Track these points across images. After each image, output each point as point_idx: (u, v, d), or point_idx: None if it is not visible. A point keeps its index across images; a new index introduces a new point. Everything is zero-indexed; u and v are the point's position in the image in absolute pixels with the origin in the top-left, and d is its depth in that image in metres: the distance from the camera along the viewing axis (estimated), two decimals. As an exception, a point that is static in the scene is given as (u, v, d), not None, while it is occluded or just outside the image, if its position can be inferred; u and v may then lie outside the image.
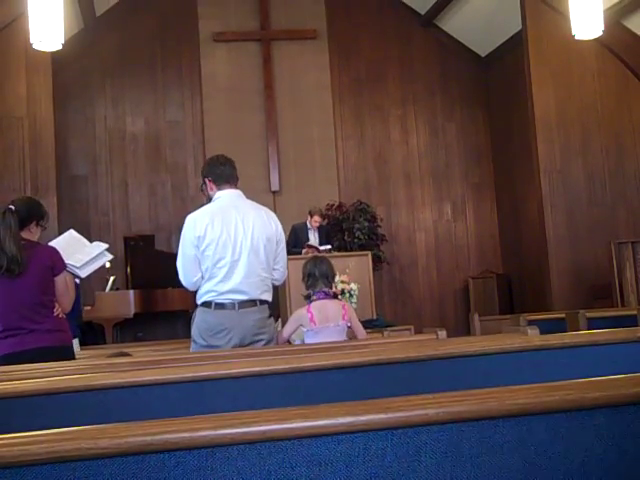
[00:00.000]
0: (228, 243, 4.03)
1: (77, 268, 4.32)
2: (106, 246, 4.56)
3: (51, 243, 4.37)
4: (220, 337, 4.02)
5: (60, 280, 4.17)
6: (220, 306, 4.05)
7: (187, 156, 11.42)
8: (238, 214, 4.10)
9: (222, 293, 4.05)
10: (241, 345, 4.01)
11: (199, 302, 4.15)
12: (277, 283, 4.35)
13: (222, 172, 4.21)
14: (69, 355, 4.08)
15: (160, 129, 11.58)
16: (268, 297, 4.19)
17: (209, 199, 4.28)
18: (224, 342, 4.01)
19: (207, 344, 4.04)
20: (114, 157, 11.38)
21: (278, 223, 4.28)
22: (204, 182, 4.29)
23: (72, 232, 4.63)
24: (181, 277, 4.14)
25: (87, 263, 4.39)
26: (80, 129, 11.30)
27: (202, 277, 4.07)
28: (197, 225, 4.04)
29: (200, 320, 4.10)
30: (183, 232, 4.12)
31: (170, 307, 9.88)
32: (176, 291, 9.54)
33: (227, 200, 4.18)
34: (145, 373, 2.51)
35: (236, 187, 4.27)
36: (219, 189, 4.21)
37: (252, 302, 4.08)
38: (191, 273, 4.09)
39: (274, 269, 4.24)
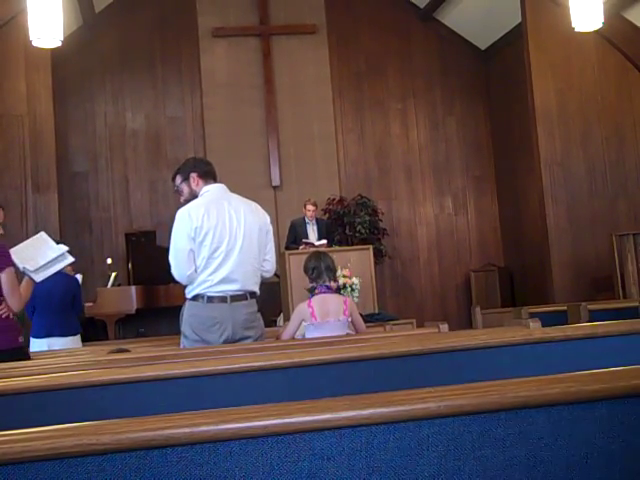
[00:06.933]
0: (224, 232, 4.08)
1: (32, 272, 4.25)
2: (66, 249, 4.49)
3: (18, 245, 4.27)
4: (213, 331, 4.04)
5: (4, 278, 4.04)
6: (211, 299, 4.07)
7: (188, 152, 11.36)
8: (230, 205, 4.17)
9: (215, 284, 4.06)
10: (232, 339, 4.03)
11: (189, 296, 4.15)
12: (267, 275, 4.37)
13: (209, 169, 4.31)
14: (20, 357, 3.88)
15: (160, 125, 11.57)
16: (257, 289, 4.24)
17: (187, 200, 4.27)
18: (217, 336, 4.03)
19: (200, 339, 4.04)
20: (114, 153, 11.37)
21: (266, 214, 4.38)
22: (187, 178, 4.27)
23: (42, 234, 4.55)
24: (174, 271, 4.14)
25: (44, 267, 4.31)
26: (80, 126, 11.29)
27: (195, 270, 4.09)
28: (193, 216, 4.07)
29: (191, 314, 4.11)
30: (176, 226, 4.14)
31: (172, 303, 9.86)
32: (178, 287, 9.44)
33: (217, 193, 4.24)
34: (147, 369, 2.51)
35: None
36: (206, 184, 4.26)
37: (243, 295, 4.12)
38: (186, 267, 4.09)
39: (264, 260, 4.29)
